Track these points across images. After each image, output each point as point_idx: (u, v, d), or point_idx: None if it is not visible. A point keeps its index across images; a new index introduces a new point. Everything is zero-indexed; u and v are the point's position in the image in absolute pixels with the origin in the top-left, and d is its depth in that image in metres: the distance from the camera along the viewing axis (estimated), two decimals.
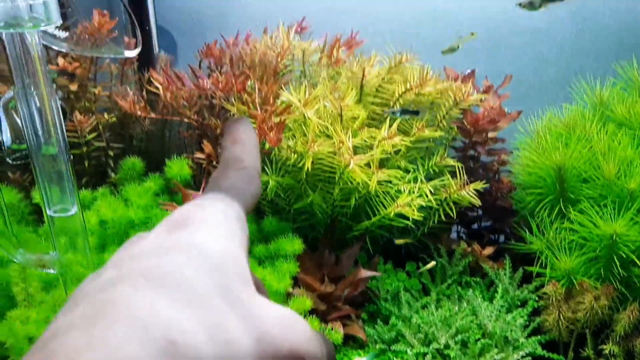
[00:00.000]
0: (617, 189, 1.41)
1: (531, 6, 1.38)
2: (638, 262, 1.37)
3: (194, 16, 1.83)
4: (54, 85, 1.41)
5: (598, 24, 1.75)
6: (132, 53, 1.07)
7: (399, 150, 1.43)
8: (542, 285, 1.46)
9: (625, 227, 1.36)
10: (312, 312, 1.35)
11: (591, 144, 1.49)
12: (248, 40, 1.60)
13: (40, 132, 1.08)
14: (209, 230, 0.42)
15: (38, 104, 1.09)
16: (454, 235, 1.71)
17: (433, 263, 1.51)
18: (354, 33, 1.61)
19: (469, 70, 1.58)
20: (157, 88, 1.49)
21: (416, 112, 1.39)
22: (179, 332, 0.34)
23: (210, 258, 0.40)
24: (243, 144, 0.52)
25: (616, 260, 1.39)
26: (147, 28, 1.65)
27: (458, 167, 1.44)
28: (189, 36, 1.83)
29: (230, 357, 0.36)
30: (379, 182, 1.38)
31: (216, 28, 1.69)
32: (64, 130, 1.12)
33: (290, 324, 0.41)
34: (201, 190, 1.42)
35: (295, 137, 1.36)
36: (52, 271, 1.21)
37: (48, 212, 1.16)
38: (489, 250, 1.55)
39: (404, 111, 1.40)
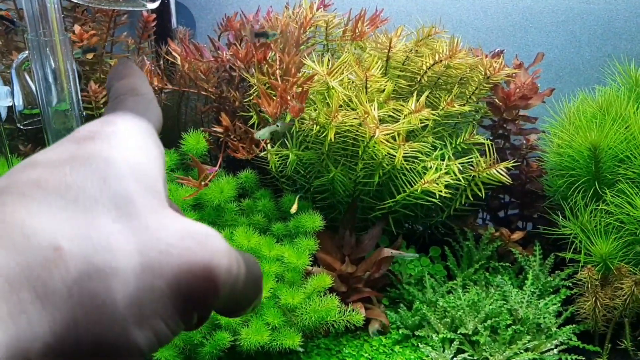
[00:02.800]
0: None
1: None
2: None
3: None
4: (70, 46, 1.37)
5: (631, 3, 1.69)
6: (153, 5, 1.02)
7: (427, 125, 1.36)
8: (576, 273, 1.37)
9: None
10: (332, 292, 1.28)
11: (627, 123, 1.41)
12: (269, 16, 1.55)
13: (52, 86, 1.03)
14: (119, 142, 0.39)
15: (51, 58, 1.04)
16: (479, 222, 1.63)
17: None
18: (378, 10, 1.56)
19: (497, 49, 1.51)
20: (174, 59, 1.44)
21: None
22: (64, 239, 0.33)
23: (116, 169, 0.37)
24: (132, 77, 0.47)
25: None
26: (166, 1, 1.60)
27: (488, 145, 1.37)
28: (208, 12, 1.78)
29: (109, 268, 0.33)
30: (405, 158, 1.31)
31: (236, 5, 1.64)
32: (78, 87, 1.07)
33: (201, 239, 0.36)
34: (218, 165, 1.36)
35: (317, 109, 1.30)
36: None
37: None
38: (518, 235, 1.47)
39: None
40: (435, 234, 1.56)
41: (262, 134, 1.26)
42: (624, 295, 1.30)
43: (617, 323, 1.37)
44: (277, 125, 1.27)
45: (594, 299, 1.32)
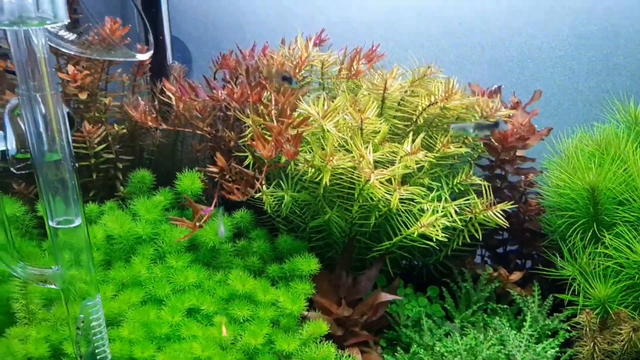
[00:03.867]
0: None
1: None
2: None
3: (210, 27, 1.78)
4: (60, 90, 1.36)
5: (631, 40, 1.68)
6: (144, 56, 1.01)
7: (422, 166, 1.35)
8: (574, 315, 1.36)
9: None
10: (328, 337, 1.27)
11: (627, 164, 1.40)
12: (265, 51, 1.54)
13: (44, 137, 1.02)
14: None
15: (43, 110, 1.03)
16: (477, 259, 1.62)
17: None
18: (374, 46, 1.55)
19: (495, 86, 1.50)
20: (169, 98, 1.43)
21: (495, 125, 1.20)
22: None
23: None
24: None
25: None
26: (161, 38, 1.60)
27: (485, 186, 1.36)
28: (205, 47, 1.78)
29: None
30: (401, 200, 1.30)
31: (232, 39, 1.64)
32: (70, 137, 1.06)
33: None
34: (213, 205, 1.35)
35: (312, 150, 1.29)
36: (53, 286, 1.14)
37: (50, 223, 1.09)
38: (516, 276, 1.46)
39: (479, 126, 1.21)
40: (433, 273, 1.55)
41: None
42: (622, 341, 1.29)
43: None
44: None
45: (592, 344, 1.30)
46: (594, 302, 1.34)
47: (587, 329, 1.31)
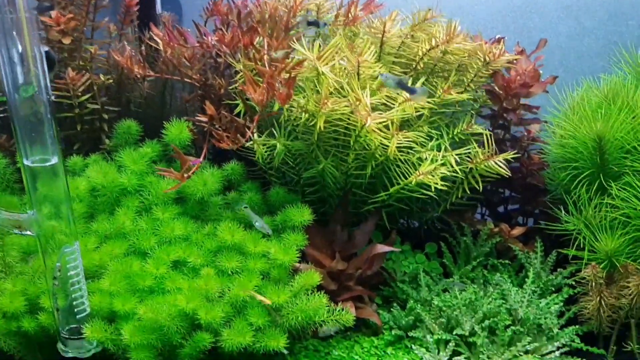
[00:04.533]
0: None
1: None
2: None
3: None
4: (43, 37, 1.29)
5: None
6: None
7: (422, 114, 1.29)
8: (579, 271, 1.30)
9: None
10: (321, 290, 1.21)
11: (635, 113, 1.34)
12: (258, 0, 1.47)
13: (18, 68, 0.95)
14: None
15: (19, 46, 0.96)
16: (478, 217, 1.56)
17: None
18: None
19: (497, 36, 1.44)
20: (157, 44, 1.36)
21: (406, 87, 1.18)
22: None
23: None
24: None
25: None
26: None
27: (486, 136, 1.30)
28: None
29: None
30: (399, 148, 1.24)
31: None
32: (47, 73, 0.99)
33: None
34: (202, 156, 1.29)
35: (307, 95, 1.22)
36: (29, 233, 1.08)
37: (25, 162, 1.02)
38: (518, 231, 1.40)
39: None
40: (431, 230, 1.49)
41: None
42: (630, 295, 1.23)
43: (622, 324, 1.30)
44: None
45: (598, 299, 1.25)
46: (600, 255, 1.28)
47: (593, 283, 1.26)
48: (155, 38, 1.34)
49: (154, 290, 1.17)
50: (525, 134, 1.49)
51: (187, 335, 1.12)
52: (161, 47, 1.33)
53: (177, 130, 1.32)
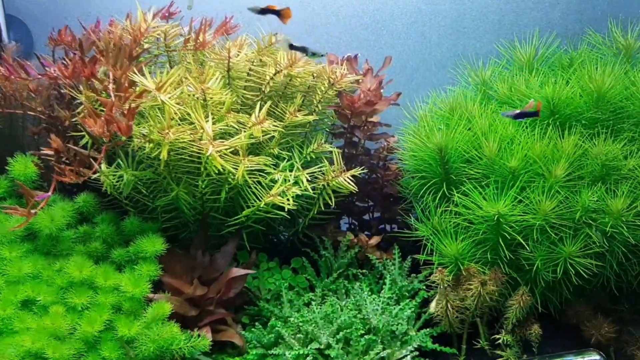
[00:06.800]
0: (499, 168, 1.35)
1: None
2: (524, 243, 1.31)
3: (51, 4, 1.66)
4: None
5: (477, 3, 1.72)
6: None
7: (273, 137, 1.32)
8: (432, 274, 1.38)
9: (509, 206, 1.30)
10: (181, 318, 1.22)
11: (472, 124, 1.43)
12: (112, 25, 1.45)
13: None
14: None
15: None
16: (344, 228, 1.61)
17: None
18: (227, 17, 1.50)
19: (350, 54, 1.49)
20: None
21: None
22: None
23: None
24: None
25: (502, 242, 1.33)
26: None
27: (335, 153, 1.35)
28: (47, 26, 1.66)
29: None
30: (251, 172, 1.26)
31: (74, 16, 1.53)
32: None
33: None
34: (51, 190, 1.26)
35: (151, 125, 1.23)
36: None
37: None
38: (375, 240, 1.46)
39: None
40: (297, 245, 1.53)
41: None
42: (472, 296, 1.32)
43: (472, 323, 1.39)
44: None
45: (445, 301, 1.33)
46: (447, 259, 1.36)
47: (441, 286, 1.33)
48: None
49: (1, 332, 1.14)
50: (386, 144, 1.56)
51: None
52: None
53: (22, 166, 1.29)
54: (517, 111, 1.31)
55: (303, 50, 1.31)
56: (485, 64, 1.56)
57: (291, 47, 1.30)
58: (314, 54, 1.32)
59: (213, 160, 1.19)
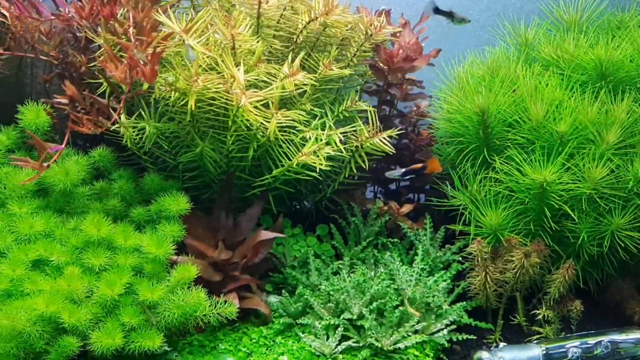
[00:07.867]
0: (546, 133, 1.26)
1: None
2: (572, 213, 1.23)
3: None
4: None
5: None
6: None
7: (305, 91, 1.23)
8: (467, 246, 1.30)
9: (556, 174, 1.21)
10: (205, 283, 1.13)
11: (516, 85, 1.34)
12: None
13: None
14: None
15: None
16: (370, 196, 1.53)
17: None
18: None
19: (382, 8, 1.39)
20: (5, 17, 1.21)
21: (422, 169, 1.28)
22: None
23: None
24: None
25: (547, 212, 1.25)
26: None
27: (371, 113, 1.26)
28: None
29: None
30: (281, 128, 1.17)
31: None
32: None
33: None
34: (64, 142, 1.16)
35: (176, 72, 1.12)
36: None
37: None
38: (407, 208, 1.38)
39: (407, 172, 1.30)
40: (322, 212, 1.44)
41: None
42: (514, 269, 1.24)
43: (509, 298, 1.31)
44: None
45: (484, 274, 1.25)
46: (485, 230, 1.28)
47: (479, 258, 1.25)
48: (2, 10, 1.18)
49: (11, 294, 1.05)
50: (415, 109, 1.47)
51: (51, 340, 1.01)
52: (9, 22, 1.18)
53: (34, 115, 1.19)
54: (403, 170, 1.35)
55: (449, 15, 1.22)
56: (527, 25, 1.46)
57: (436, 11, 1.20)
58: (462, 20, 1.23)
59: (245, 112, 1.10)
